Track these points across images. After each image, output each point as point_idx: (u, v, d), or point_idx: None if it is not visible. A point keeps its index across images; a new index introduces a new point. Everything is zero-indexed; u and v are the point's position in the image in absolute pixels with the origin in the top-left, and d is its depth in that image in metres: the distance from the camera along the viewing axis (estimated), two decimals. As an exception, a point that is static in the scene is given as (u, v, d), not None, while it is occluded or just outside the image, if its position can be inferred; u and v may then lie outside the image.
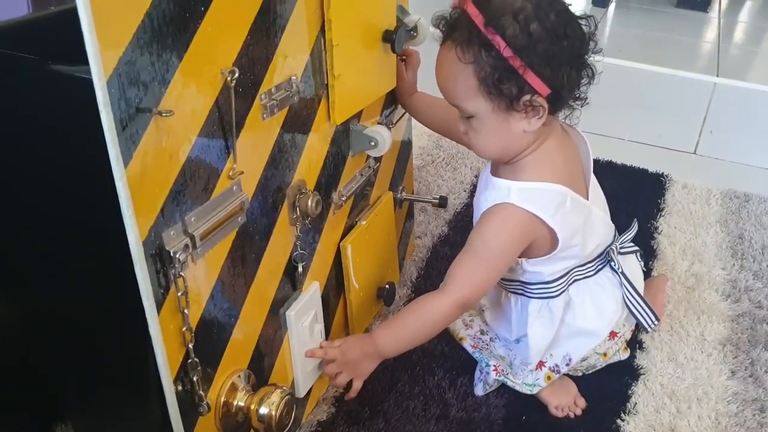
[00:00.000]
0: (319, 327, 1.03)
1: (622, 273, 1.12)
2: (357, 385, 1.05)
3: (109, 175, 0.61)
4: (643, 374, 1.22)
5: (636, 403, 1.17)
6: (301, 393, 1.02)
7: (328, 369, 1.03)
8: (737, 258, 1.54)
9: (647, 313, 1.14)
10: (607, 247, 1.12)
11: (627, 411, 1.15)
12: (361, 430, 1.06)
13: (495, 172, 1.05)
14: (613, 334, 1.14)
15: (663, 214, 1.69)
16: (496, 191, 1.00)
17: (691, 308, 1.39)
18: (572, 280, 1.09)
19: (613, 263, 1.11)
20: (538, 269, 1.05)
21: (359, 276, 1.12)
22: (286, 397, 0.88)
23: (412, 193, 1.41)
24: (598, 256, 1.11)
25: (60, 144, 0.73)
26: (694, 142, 2.04)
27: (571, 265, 1.08)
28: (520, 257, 1.04)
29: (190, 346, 0.74)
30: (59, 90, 0.71)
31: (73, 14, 0.56)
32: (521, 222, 0.98)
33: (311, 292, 1.00)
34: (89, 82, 0.58)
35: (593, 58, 0.97)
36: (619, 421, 1.13)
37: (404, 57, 1.16)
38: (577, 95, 0.98)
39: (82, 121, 0.62)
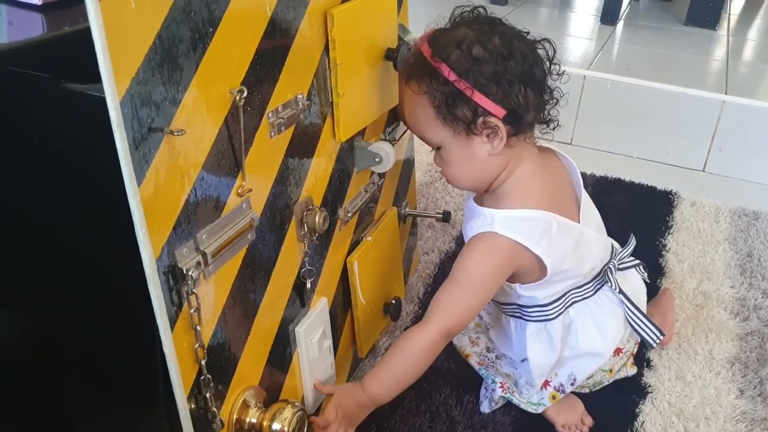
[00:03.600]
0: (328, 343, 1.04)
1: (621, 291, 1.11)
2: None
3: (122, 194, 0.62)
4: (651, 392, 1.22)
5: (644, 422, 1.16)
6: (311, 409, 1.03)
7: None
8: (746, 276, 1.54)
9: (651, 329, 1.13)
10: (604, 266, 1.11)
11: (635, 429, 1.15)
12: (368, 447, 1.07)
13: (479, 201, 1.07)
14: (617, 351, 1.14)
15: (671, 231, 1.69)
16: (480, 220, 1.01)
17: (699, 326, 1.38)
18: (570, 302, 1.10)
19: (609, 284, 1.11)
20: (531, 294, 1.06)
21: (366, 291, 1.12)
22: (299, 413, 0.88)
23: (416, 209, 1.42)
24: (596, 276, 1.11)
25: (71, 162, 0.74)
26: (703, 160, 2.04)
27: (567, 288, 1.08)
28: (512, 282, 1.05)
29: (203, 362, 0.74)
30: (72, 108, 0.72)
31: (86, 35, 0.57)
32: (505, 250, 0.99)
33: (319, 308, 1.00)
34: (102, 101, 0.59)
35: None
36: (626, 440, 1.13)
37: None
38: (544, 117, 1.01)
39: (95, 140, 0.63)
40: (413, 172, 1.39)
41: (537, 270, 1.03)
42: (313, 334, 0.99)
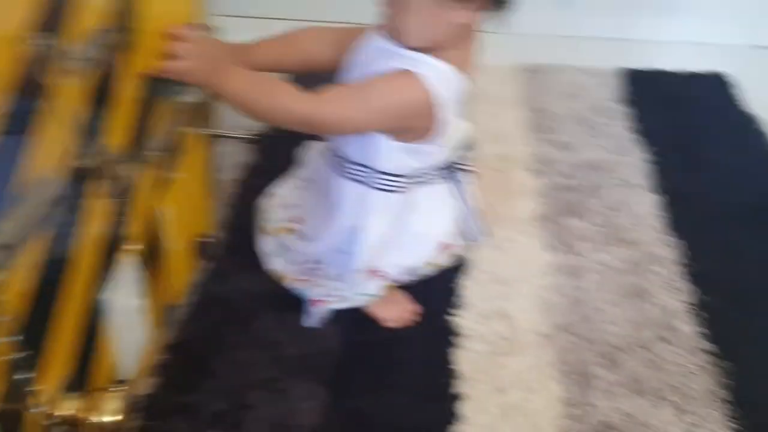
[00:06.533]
0: (139, 302, 0.94)
1: (461, 184, 1.10)
2: (178, 67, 0.88)
3: None
4: (468, 265, 1.24)
5: (465, 295, 1.19)
6: (128, 374, 0.94)
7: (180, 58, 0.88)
8: (539, 132, 1.59)
9: (479, 227, 1.15)
10: (454, 157, 1.09)
11: (457, 305, 1.17)
12: (192, 395, 1.00)
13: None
14: (446, 246, 1.13)
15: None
16: (400, 61, 0.94)
17: (502, 190, 1.42)
18: (419, 181, 1.06)
19: (456, 174, 1.10)
20: (395, 157, 1.01)
21: (174, 235, 1.02)
22: (126, 397, 0.80)
23: (221, 131, 1.30)
24: (445, 164, 1.09)
25: None
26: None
27: (425, 166, 1.05)
28: (387, 136, 0.99)
29: (10, 357, 0.64)
30: None
31: None
32: (417, 97, 0.94)
33: (127, 266, 0.89)
34: None
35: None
36: (451, 317, 1.15)
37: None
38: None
39: None
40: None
41: (421, 133, 0.98)
42: (122, 298, 0.88)
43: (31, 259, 0.67)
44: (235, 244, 1.23)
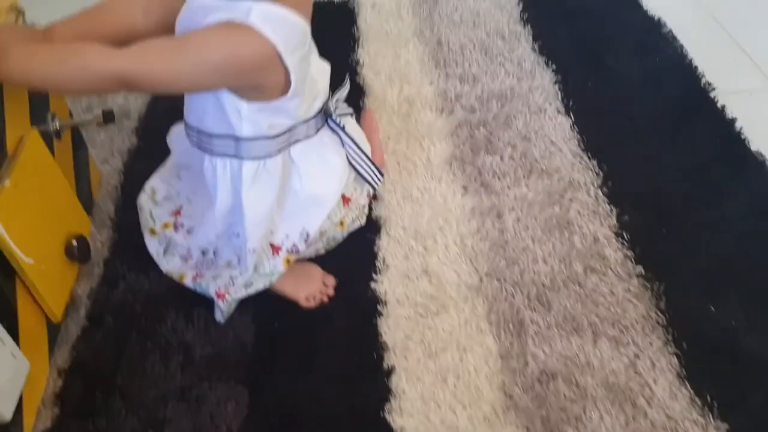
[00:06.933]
0: (-2, 332, 0.82)
1: (343, 128, 1.01)
2: None
3: None
4: (384, 224, 1.16)
5: (384, 258, 1.11)
6: (7, 416, 0.83)
7: None
8: (441, 67, 1.50)
9: (372, 170, 1.07)
10: (324, 103, 1.00)
11: (378, 270, 1.09)
12: (98, 419, 0.90)
13: None
14: (346, 200, 1.05)
15: (360, 43, 1.59)
16: (228, 12, 0.81)
17: (411, 136, 1.33)
18: (294, 139, 0.96)
19: (332, 120, 1.01)
20: (257, 118, 0.90)
21: (28, 247, 0.90)
22: None
23: (70, 117, 1.16)
24: (317, 113, 0.99)
25: None
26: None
27: (292, 121, 0.94)
28: (240, 98, 0.88)
29: None
30: None
31: None
32: (255, 49, 0.82)
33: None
34: None
35: None
36: (373, 284, 1.07)
37: None
38: None
39: None
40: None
41: (276, 88, 0.87)
42: None
43: None
44: (121, 242, 1.12)
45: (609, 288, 1.04)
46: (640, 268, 1.06)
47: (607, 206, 1.16)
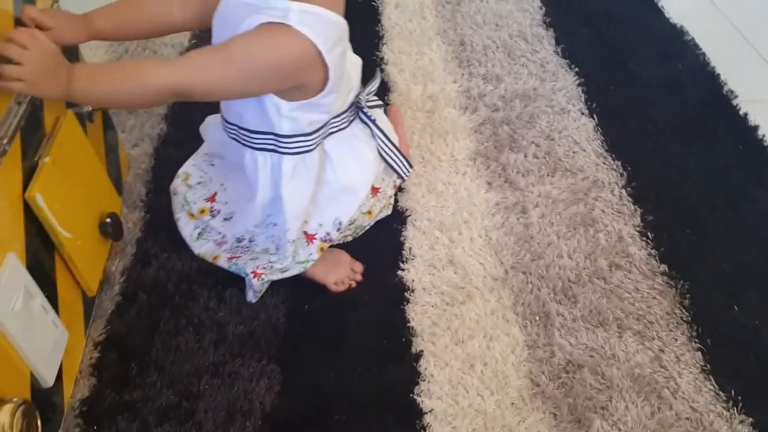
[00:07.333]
0: (39, 301, 0.84)
1: (374, 122, 1.04)
2: (20, 87, 0.79)
3: None
4: (410, 215, 1.18)
5: (411, 248, 1.13)
6: (49, 382, 0.84)
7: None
8: (464, 66, 1.52)
9: (402, 162, 1.09)
10: (356, 97, 1.02)
11: (404, 259, 1.11)
12: (134, 391, 0.92)
13: None
14: (374, 190, 1.08)
15: (384, 41, 1.61)
16: (266, 13, 0.83)
17: (435, 132, 1.35)
18: (328, 132, 0.99)
19: (363, 113, 1.03)
20: (296, 116, 0.92)
21: (67, 222, 0.91)
22: (21, 408, 0.70)
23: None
24: (350, 107, 1.02)
25: None
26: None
27: (328, 116, 0.97)
28: (281, 97, 0.90)
29: None
30: None
31: None
32: (299, 50, 0.84)
33: (8, 268, 0.79)
34: None
35: None
36: (400, 272, 1.09)
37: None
38: None
39: None
40: (78, 53, 1.12)
41: (315, 84, 0.90)
42: (12, 302, 0.78)
43: None
44: (153, 223, 1.14)
45: (634, 285, 1.06)
46: (664, 267, 1.08)
47: (632, 206, 1.18)
